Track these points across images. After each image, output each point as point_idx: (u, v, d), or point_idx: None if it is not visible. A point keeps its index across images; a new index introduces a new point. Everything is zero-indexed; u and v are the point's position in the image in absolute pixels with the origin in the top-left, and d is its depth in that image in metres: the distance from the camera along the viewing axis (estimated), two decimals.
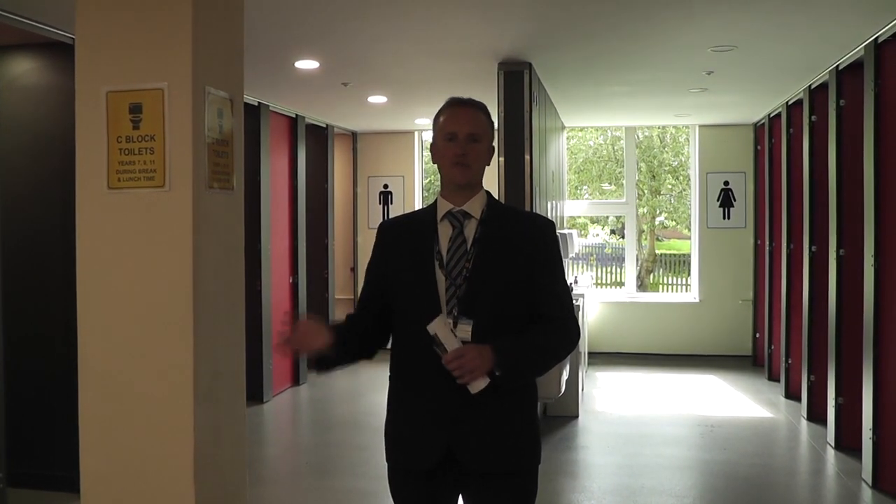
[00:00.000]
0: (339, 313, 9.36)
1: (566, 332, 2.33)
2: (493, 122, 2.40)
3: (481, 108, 2.37)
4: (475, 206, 2.33)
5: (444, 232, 2.32)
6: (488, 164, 2.39)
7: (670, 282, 18.85)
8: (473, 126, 2.31)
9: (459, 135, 2.29)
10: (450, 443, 2.23)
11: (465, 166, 2.29)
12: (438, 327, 2.18)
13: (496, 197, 2.45)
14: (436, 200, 2.40)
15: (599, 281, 17.74)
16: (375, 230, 2.49)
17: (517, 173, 5.92)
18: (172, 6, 2.61)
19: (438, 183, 2.45)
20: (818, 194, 6.31)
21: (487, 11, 4.65)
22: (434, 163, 2.40)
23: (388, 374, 2.41)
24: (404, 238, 2.38)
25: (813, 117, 6.46)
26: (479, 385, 2.15)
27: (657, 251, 19.80)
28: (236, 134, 2.86)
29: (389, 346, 2.43)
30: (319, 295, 8.97)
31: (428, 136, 9.98)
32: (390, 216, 8.47)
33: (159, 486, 2.64)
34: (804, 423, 6.58)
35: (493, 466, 2.25)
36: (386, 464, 2.41)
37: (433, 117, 2.41)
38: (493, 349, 2.16)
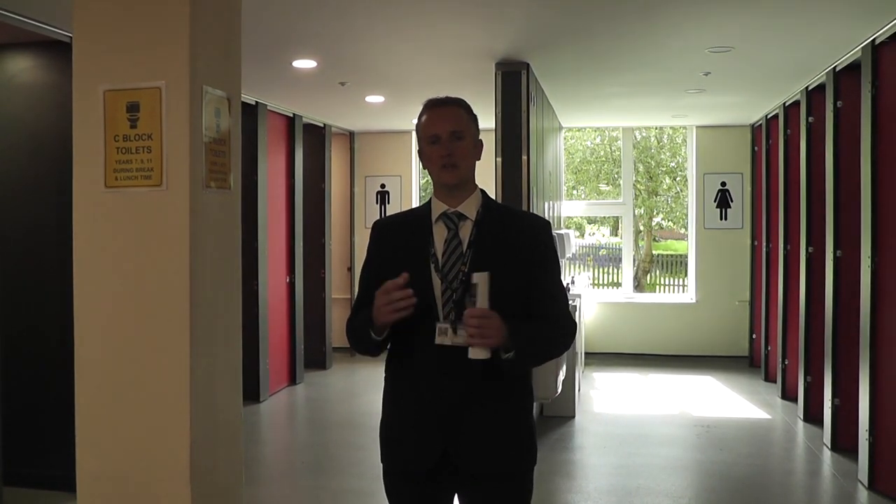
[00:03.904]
0: (336, 313, 9.36)
1: (564, 328, 2.32)
2: (475, 117, 2.35)
3: (460, 104, 2.33)
4: (470, 207, 2.31)
5: (440, 233, 2.30)
6: (478, 159, 2.36)
7: (667, 282, 18.87)
8: (454, 124, 2.27)
9: (442, 135, 2.26)
10: (446, 444, 2.22)
11: (453, 167, 2.26)
12: (482, 280, 2.12)
13: (492, 196, 2.43)
14: (430, 200, 2.37)
15: (596, 281, 17.76)
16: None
17: (515, 173, 5.92)
18: (170, 5, 2.60)
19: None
20: (815, 195, 6.31)
21: (485, 12, 4.65)
22: (424, 168, 2.38)
23: (384, 374, 2.41)
24: (399, 238, 2.36)
25: (810, 118, 6.46)
26: (480, 353, 2.11)
27: (654, 252, 19.83)
28: (233, 133, 2.85)
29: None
30: (316, 294, 8.96)
31: None
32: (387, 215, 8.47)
33: (155, 485, 2.64)
34: (800, 423, 6.59)
35: (489, 468, 2.25)
36: (381, 464, 2.40)
37: (415, 123, 2.36)
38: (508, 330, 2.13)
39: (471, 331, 2.09)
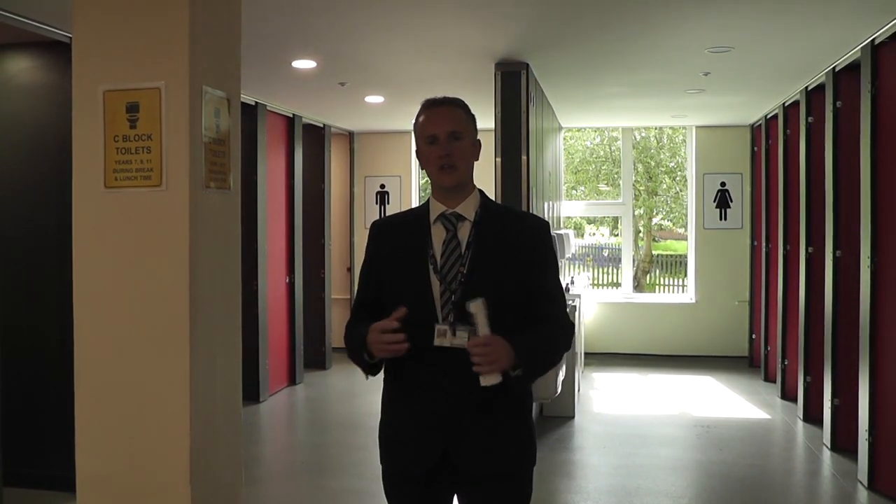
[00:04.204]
0: (336, 313, 9.36)
1: (563, 329, 2.31)
2: (473, 117, 2.33)
3: (458, 105, 2.32)
4: (468, 208, 2.30)
5: (438, 235, 2.29)
6: (476, 160, 2.34)
7: (667, 282, 18.87)
8: (452, 124, 2.26)
9: (440, 136, 2.24)
10: (446, 445, 2.22)
11: (452, 168, 2.25)
12: (478, 309, 2.11)
13: (491, 196, 2.42)
14: (428, 200, 2.35)
15: (596, 282, 17.76)
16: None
17: (514, 174, 5.92)
18: (170, 5, 2.61)
19: None
20: (815, 196, 6.31)
21: (485, 12, 4.65)
22: (422, 168, 2.36)
23: (383, 376, 2.40)
24: (398, 239, 2.35)
25: (810, 119, 6.46)
26: (491, 380, 2.10)
27: (654, 252, 19.83)
28: (233, 133, 2.85)
29: None
30: (316, 295, 8.96)
31: None
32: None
33: (155, 485, 2.64)
34: (800, 424, 6.59)
35: (489, 469, 2.24)
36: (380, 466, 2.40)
37: (413, 123, 2.34)
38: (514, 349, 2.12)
39: (476, 360, 2.08)
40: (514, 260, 2.26)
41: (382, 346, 2.16)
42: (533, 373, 2.22)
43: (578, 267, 16.57)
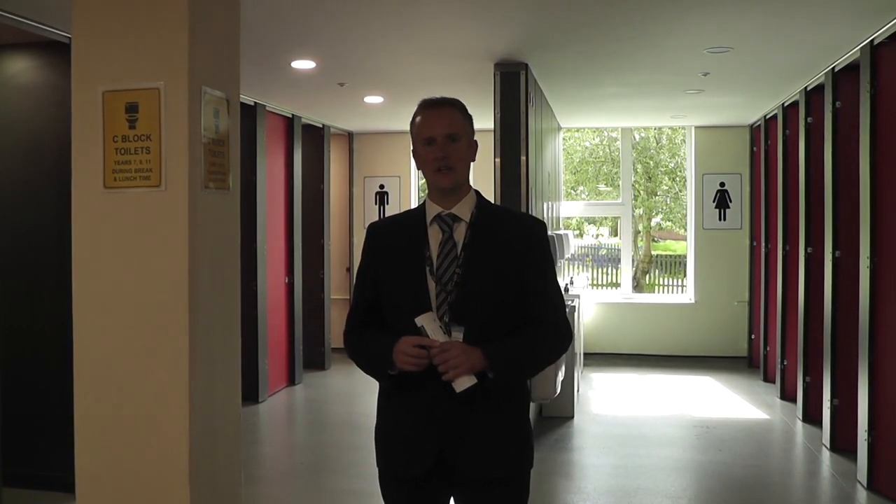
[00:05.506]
0: (335, 313, 9.36)
1: (557, 334, 2.31)
2: (470, 117, 2.33)
3: (456, 105, 2.31)
4: (464, 209, 2.30)
5: (434, 236, 2.29)
6: (473, 160, 2.34)
7: (666, 283, 18.88)
8: (450, 126, 2.26)
9: (437, 138, 2.25)
10: (442, 449, 2.22)
11: (449, 170, 2.25)
12: (426, 321, 2.16)
13: (489, 197, 2.42)
14: (424, 202, 2.36)
15: (595, 282, 17.76)
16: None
17: (514, 174, 5.92)
18: (169, 6, 2.61)
19: None
20: (814, 196, 6.32)
21: (484, 12, 4.65)
22: (418, 169, 2.35)
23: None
24: (394, 241, 2.35)
25: (809, 119, 6.47)
26: (463, 384, 2.13)
27: (653, 252, 19.84)
28: (232, 134, 2.85)
29: None
30: (315, 295, 8.96)
31: None
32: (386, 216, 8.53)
33: (154, 486, 2.64)
34: (799, 424, 6.60)
35: (486, 472, 2.24)
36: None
37: (409, 122, 2.35)
38: (483, 352, 2.15)
39: (440, 369, 2.13)
40: (510, 261, 2.26)
41: (409, 360, 2.16)
42: (508, 378, 2.23)
43: (578, 267, 16.56)
